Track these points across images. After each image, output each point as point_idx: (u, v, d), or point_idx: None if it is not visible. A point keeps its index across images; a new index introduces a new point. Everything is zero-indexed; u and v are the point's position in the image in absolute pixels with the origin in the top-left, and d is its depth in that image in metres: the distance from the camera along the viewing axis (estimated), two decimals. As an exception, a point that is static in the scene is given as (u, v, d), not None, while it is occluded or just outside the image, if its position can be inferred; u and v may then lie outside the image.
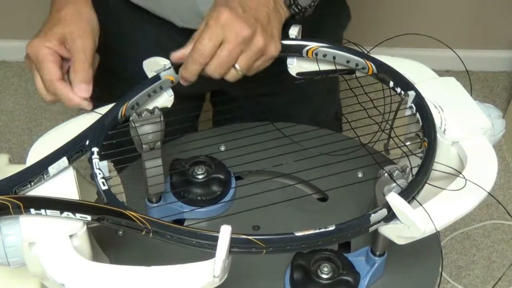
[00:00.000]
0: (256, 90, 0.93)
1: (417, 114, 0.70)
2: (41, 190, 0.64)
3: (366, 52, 0.76)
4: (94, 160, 0.65)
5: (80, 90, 0.71)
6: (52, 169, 0.65)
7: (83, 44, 0.73)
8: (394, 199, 0.59)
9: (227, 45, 0.68)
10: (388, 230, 0.62)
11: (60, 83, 0.71)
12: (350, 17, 1.09)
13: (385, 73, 0.74)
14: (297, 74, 0.78)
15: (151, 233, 0.60)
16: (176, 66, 0.72)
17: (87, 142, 0.67)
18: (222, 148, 0.90)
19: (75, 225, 0.61)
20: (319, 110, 1.04)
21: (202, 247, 0.59)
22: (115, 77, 0.99)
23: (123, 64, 0.92)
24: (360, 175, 0.85)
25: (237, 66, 0.70)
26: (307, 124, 0.90)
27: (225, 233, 0.57)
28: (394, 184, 0.64)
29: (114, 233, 0.79)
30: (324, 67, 0.77)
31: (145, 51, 0.75)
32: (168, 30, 0.91)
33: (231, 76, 0.71)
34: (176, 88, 0.75)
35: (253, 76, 0.73)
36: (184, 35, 0.76)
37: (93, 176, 0.64)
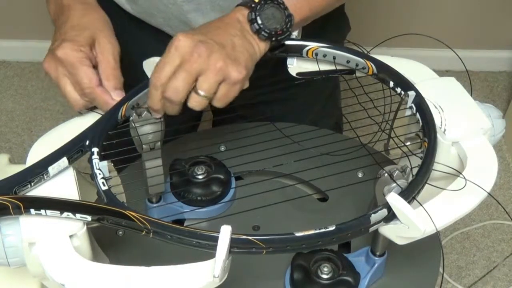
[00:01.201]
0: (255, 98, 0.92)
1: (417, 114, 0.70)
2: (41, 190, 0.64)
3: (366, 52, 0.76)
4: (94, 161, 0.65)
5: (117, 96, 0.71)
6: (52, 169, 0.65)
7: (113, 50, 0.73)
8: (394, 199, 0.59)
9: (183, 65, 0.66)
10: (388, 230, 0.62)
11: (100, 89, 0.71)
12: (349, 28, 1.09)
13: (385, 73, 0.74)
14: (297, 74, 0.78)
15: (151, 233, 0.60)
16: None
17: (87, 142, 0.67)
18: (222, 148, 0.90)
19: (75, 225, 0.61)
20: (319, 119, 1.04)
21: (202, 247, 0.59)
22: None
23: (123, 68, 0.93)
24: (360, 175, 0.85)
25: (199, 91, 0.67)
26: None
27: (225, 233, 0.57)
28: (394, 184, 0.64)
29: (114, 233, 0.79)
30: (324, 67, 0.77)
31: (144, 57, 0.75)
32: (165, 38, 0.91)
33: (194, 101, 0.67)
34: None
35: (253, 85, 0.72)
36: None
37: (93, 176, 0.64)
